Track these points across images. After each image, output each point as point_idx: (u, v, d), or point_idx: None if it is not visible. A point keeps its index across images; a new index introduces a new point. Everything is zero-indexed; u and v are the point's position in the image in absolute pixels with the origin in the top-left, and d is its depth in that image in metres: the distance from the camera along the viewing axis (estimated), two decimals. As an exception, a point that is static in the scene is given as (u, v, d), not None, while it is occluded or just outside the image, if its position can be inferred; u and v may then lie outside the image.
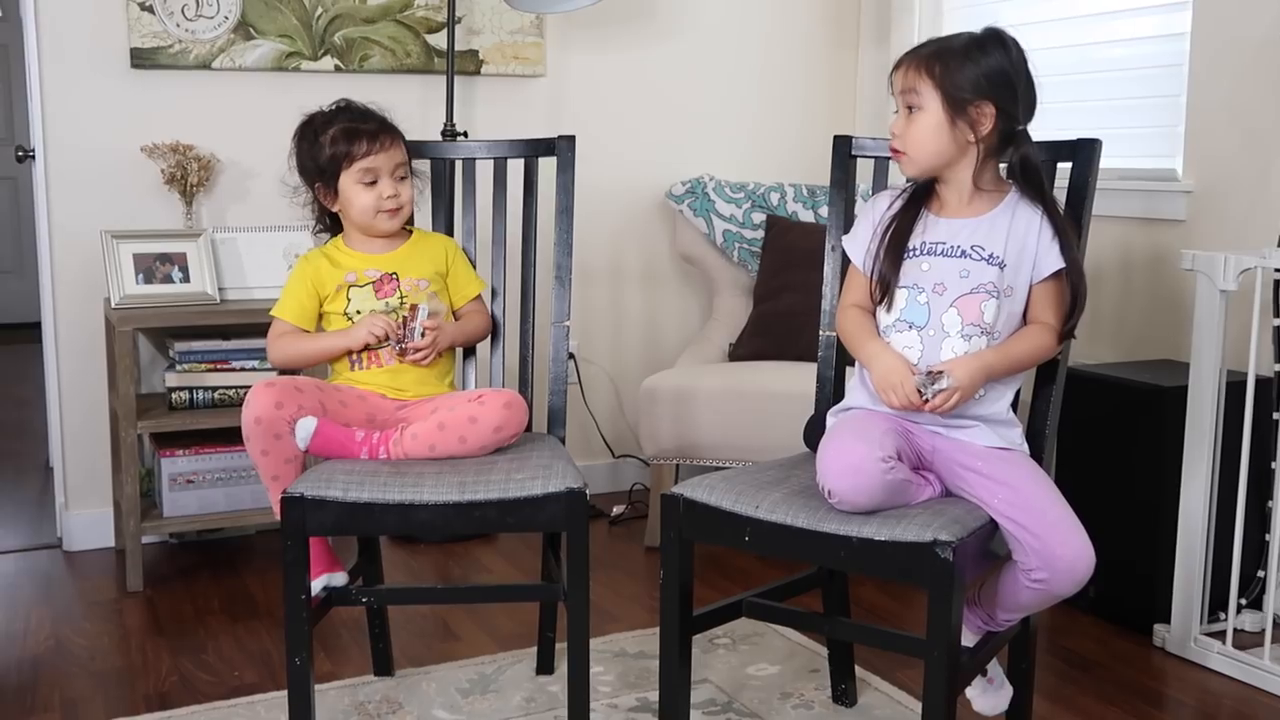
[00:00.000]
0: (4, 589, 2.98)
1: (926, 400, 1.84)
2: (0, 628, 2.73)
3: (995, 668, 2.04)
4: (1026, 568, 1.79)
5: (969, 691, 2.03)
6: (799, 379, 2.96)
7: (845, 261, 2.09)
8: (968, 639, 1.90)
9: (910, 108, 1.90)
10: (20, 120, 6.67)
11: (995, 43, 1.89)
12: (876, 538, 1.74)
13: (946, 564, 1.68)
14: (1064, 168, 2.04)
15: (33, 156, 3.25)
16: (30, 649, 2.62)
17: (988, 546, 1.82)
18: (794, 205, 3.67)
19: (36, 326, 3.74)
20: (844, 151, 2.25)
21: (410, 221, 2.36)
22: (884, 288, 1.93)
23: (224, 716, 2.28)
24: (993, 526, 1.81)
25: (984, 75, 1.86)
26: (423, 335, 2.20)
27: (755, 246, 3.65)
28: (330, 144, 2.24)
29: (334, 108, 2.30)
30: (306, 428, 2.06)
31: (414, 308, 2.22)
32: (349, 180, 2.25)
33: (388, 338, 2.21)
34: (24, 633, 2.71)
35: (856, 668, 2.36)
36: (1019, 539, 1.79)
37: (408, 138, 2.33)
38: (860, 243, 2.02)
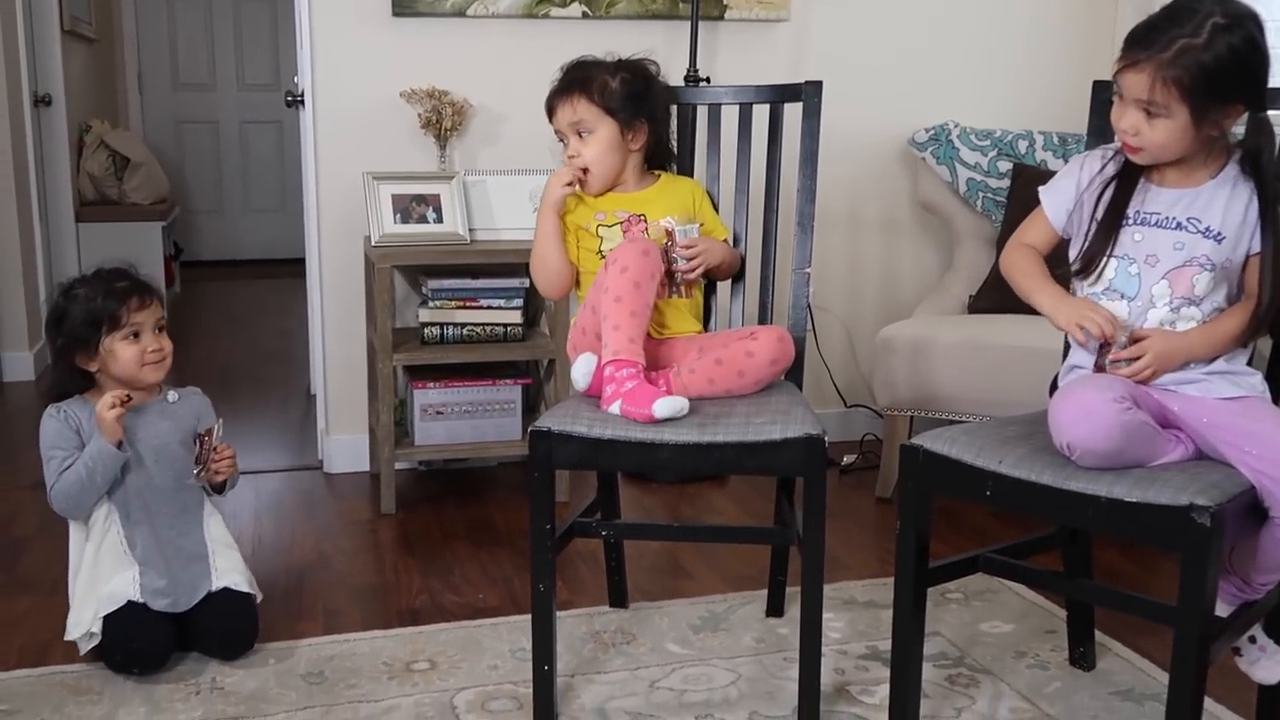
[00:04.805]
0: (272, 504, 3.22)
1: (1114, 360, 1.82)
2: (270, 539, 2.97)
3: (1262, 635, 1.96)
4: None
5: (1243, 664, 1.97)
6: (1043, 334, 2.85)
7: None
8: (1221, 609, 1.83)
9: (1149, 111, 1.79)
10: (286, 67, 7.07)
11: (1239, 29, 1.72)
12: (1127, 499, 1.69)
13: (1204, 529, 1.62)
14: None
15: (302, 102, 3.45)
16: (296, 560, 2.83)
17: (1249, 513, 1.73)
18: (1043, 154, 3.54)
19: (298, 262, 3.99)
20: (1104, 98, 2.15)
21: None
22: (1095, 257, 1.87)
23: (470, 635, 2.41)
24: (1254, 492, 1.73)
25: (1234, 77, 1.74)
26: (687, 260, 2.24)
27: (1000, 196, 3.54)
28: None
29: None
30: (585, 366, 2.13)
31: (670, 233, 2.25)
32: None
33: (573, 184, 2.26)
34: (290, 545, 2.93)
35: (1095, 632, 2.30)
36: (1272, 491, 1.70)
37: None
38: (1059, 198, 1.96)
